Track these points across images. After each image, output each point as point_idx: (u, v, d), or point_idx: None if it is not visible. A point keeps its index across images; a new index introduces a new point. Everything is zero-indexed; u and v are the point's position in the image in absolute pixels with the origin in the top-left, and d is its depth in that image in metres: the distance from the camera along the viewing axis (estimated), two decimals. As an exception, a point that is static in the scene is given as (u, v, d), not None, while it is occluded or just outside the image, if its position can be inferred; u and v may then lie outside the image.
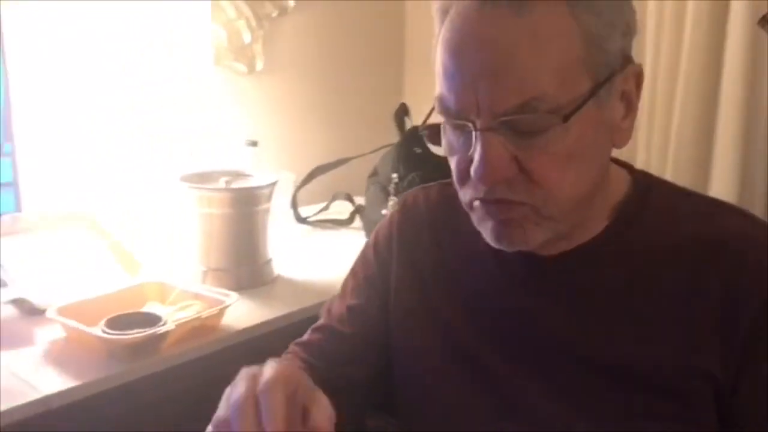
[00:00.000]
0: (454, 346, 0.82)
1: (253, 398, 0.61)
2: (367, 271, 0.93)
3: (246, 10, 1.93)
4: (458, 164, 0.71)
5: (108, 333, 1.15)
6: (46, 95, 1.53)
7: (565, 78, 0.65)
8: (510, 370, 0.78)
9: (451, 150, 0.72)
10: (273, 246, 1.54)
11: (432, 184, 0.93)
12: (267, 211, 1.50)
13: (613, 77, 0.68)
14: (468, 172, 0.69)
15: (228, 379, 0.65)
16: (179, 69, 1.66)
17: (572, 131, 0.66)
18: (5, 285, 1.31)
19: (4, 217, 1.37)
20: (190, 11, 1.62)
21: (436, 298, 0.85)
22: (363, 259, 0.94)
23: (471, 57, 0.66)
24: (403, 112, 1.81)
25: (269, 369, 0.63)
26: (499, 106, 0.65)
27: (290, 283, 1.53)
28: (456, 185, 0.74)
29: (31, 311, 1.30)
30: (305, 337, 0.93)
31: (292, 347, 0.93)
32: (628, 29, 0.70)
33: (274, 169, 1.78)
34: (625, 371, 0.72)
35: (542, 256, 0.77)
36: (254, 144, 1.74)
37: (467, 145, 0.68)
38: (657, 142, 1.88)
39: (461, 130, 0.69)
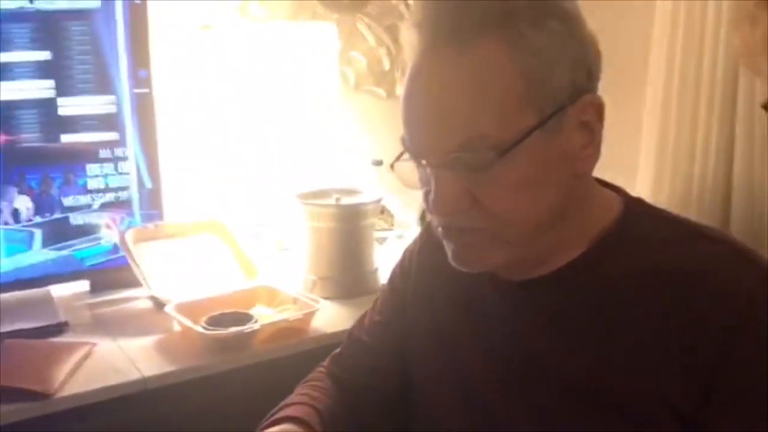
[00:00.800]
0: (449, 361, 0.86)
1: None
2: (393, 287, 0.99)
3: (386, 38, 2.06)
4: (425, 195, 0.76)
5: (204, 328, 1.31)
6: (188, 115, 1.76)
7: (507, 115, 0.69)
8: (493, 386, 0.81)
9: (420, 182, 0.77)
10: (382, 257, 1.63)
11: None
12: (372, 225, 1.60)
13: (563, 110, 0.70)
14: (428, 200, 0.74)
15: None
16: (316, 93, 1.81)
17: (519, 163, 0.69)
18: (145, 284, 1.53)
19: (148, 225, 1.59)
20: (323, 39, 1.77)
21: (442, 318, 0.89)
22: (392, 275, 1.01)
23: (419, 101, 0.72)
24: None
25: None
26: (443, 145, 0.70)
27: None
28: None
29: (161, 306, 1.50)
30: (340, 348, 1.02)
31: (327, 361, 1.02)
32: (578, 64, 0.71)
33: (399, 188, 1.88)
34: (589, 393, 0.73)
35: (524, 280, 0.79)
36: (379, 163, 1.85)
37: (425, 178, 0.74)
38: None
39: (422, 166, 0.74)
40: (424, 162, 0.73)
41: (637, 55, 1.94)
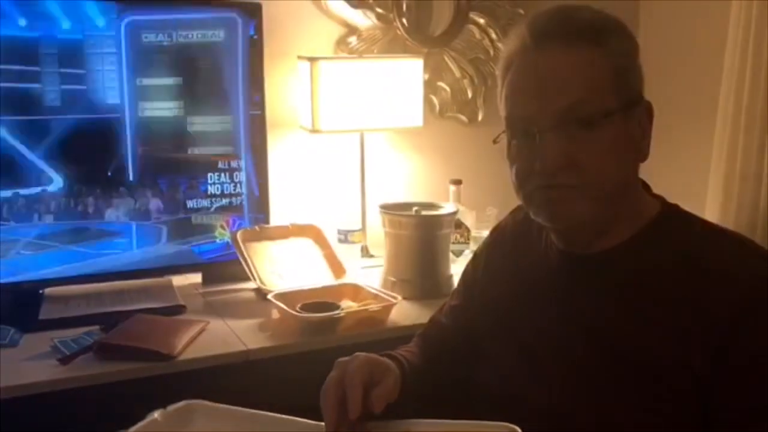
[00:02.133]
0: (511, 334, 1.04)
1: (338, 386, 0.89)
2: (467, 277, 1.19)
3: (470, 70, 2.27)
4: (521, 166, 0.94)
5: (299, 312, 1.55)
6: (293, 134, 2.03)
7: (602, 93, 0.89)
8: (546, 350, 0.98)
9: (515, 157, 0.94)
10: (457, 267, 1.83)
11: (519, 208, 1.16)
12: (448, 236, 1.81)
13: (635, 104, 0.92)
14: (529, 170, 0.92)
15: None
16: (404, 118, 2.03)
17: (608, 133, 0.89)
18: (252, 276, 1.78)
19: (255, 227, 1.85)
20: (412, 73, 2.00)
21: (506, 297, 1.07)
22: (467, 266, 1.21)
23: (530, 74, 0.92)
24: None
25: (354, 360, 0.93)
26: (554, 107, 0.89)
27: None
28: (517, 187, 0.96)
29: (264, 296, 1.75)
30: (422, 329, 1.22)
31: (414, 338, 1.21)
32: (641, 72, 0.94)
33: (475, 204, 2.09)
34: (627, 356, 0.90)
35: (578, 256, 0.98)
36: (458, 182, 2.06)
37: (529, 149, 0.92)
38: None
39: (525, 137, 0.92)
40: (534, 128, 0.90)
41: (709, 81, 2.07)
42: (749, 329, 0.84)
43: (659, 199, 1.00)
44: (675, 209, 0.99)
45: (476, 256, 1.20)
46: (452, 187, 2.07)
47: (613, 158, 0.90)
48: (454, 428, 0.86)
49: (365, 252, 2.04)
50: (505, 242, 1.14)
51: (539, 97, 0.90)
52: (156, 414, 0.93)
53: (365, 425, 0.89)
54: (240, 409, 0.96)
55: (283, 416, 0.93)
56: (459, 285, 1.22)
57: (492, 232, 1.19)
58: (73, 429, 1.33)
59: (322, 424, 0.88)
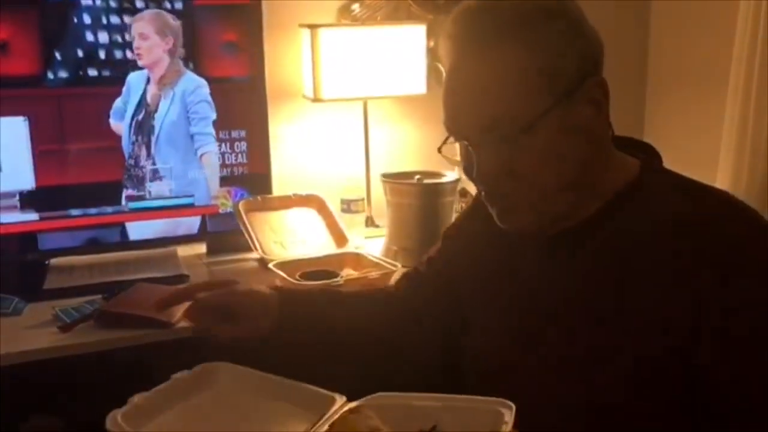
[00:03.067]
0: (493, 301, 1.04)
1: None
2: (447, 233, 1.19)
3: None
4: (465, 167, 0.94)
5: (298, 281, 1.55)
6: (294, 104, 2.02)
7: (527, 99, 0.86)
8: (527, 319, 0.98)
9: (462, 160, 0.94)
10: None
11: None
12: (451, 203, 1.79)
13: (573, 92, 0.87)
14: (471, 173, 0.91)
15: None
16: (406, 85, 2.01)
17: (542, 137, 0.86)
18: (253, 246, 1.78)
19: (257, 197, 1.85)
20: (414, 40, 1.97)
21: (489, 267, 1.06)
22: (447, 229, 1.21)
23: (457, 92, 0.90)
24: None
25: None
26: (479, 124, 0.87)
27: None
28: None
29: (265, 265, 1.75)
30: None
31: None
32: (584, 54, 0.88)
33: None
34: (601, 325, 0.89)
35: (552, 234, 0.96)
36: (463, 150, 2.04)
37: (467, 155, 0.92)
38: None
39: (461, 144, 0.93)
40: (466, 143, 0.90)
41: (721, 53, 2.03)
42: (736, 289, 0.82)
43: (639, 158, 0.97)
44: (655, 168, 0.96)
45: (458, 223, 1.20)
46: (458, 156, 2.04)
47: (555, 158, 0.87)
48: (451, 402, 0.86)
49: (370, 222, 2.03)
50: (483, 214, 1.12)
51: (465, 110, 0.89)
52: (178, 375, 0.95)
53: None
54: (262, 373, 0.97)
55: (304, 385, 0.94)
56: (439, 244, 1.21)
57: (473, 202, 1.17)
58: (75, 396, 1.35)
59: (339, 396, 0.90)
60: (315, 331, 1.10)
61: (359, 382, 0.93)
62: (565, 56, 0.87)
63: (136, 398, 0.88)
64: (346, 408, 0.87)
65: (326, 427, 0.82)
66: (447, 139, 0.95)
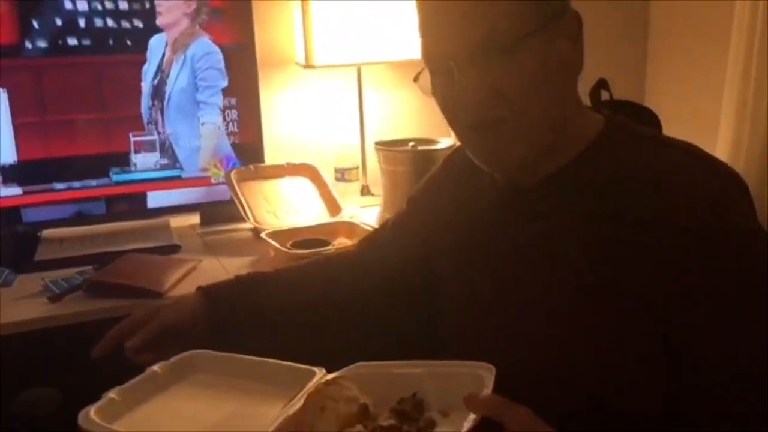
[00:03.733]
0: (466, 263, 1.01)
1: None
2: (413, 197, 1.20)
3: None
4: (446, 104, 0.90)
5: (289, 249, 1.53)
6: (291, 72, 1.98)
7: (516, 15, 0.83)
8: (505, 281, 0.95)
9: (439, 93, 0.90)
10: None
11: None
12: (445, 171, 1.76)
13: (557, 20, 0.85)
14: (454, 107, 0.87)
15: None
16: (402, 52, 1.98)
17: (530, 57, 0.83)
18: (245, 215, 1.76)
19: (249, 167, 1.83)
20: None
21: (454, 230, 1.05)
22: (414, 194, 1.20)
23: (442, 13, 0.86)
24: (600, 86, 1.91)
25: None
26: (469, 39, 0.84)
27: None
28: (448, 122, 0.92)
29: (258, 234, 1.74)
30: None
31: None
32: None
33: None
34: (574, 278, 0.87)
35: (522, 185, 0.94)
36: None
37: (450, 85, 0.87)
38: None
39: (444, 73, 0.87)
40: (452, 63, 0.85)
41: (722, 11, 1.99)
42: (704, 251, 0.80)
43: (603, 113, 0.95)
44: (619, 123, 0.93)
45: (430, 176, 1.18)
46: (453, 123, 2.02)
47: (539, 81, 0.85)
48: (432, 368, 0.85)
49: (365, 190, 2.01)
50: (452, 176, 1.11)
51: (451, 29, 0.85)
52: (156, 366, 0.93)
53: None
54: (241, 356, 0.95)
55: (282, 362, 0.92)
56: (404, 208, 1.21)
57: (445, 161, 1.16)
58: (68, 366, 1.34)
59: (319, 369, 0.88)
60: (260, 316, 1.10)
61: (345, 357, 0.92)
62: None
63: (112, 393, 0.86)
64: (323, 380, 0.85)
65: (302, 401, 0.80)
66: (422, 70, 0.91)
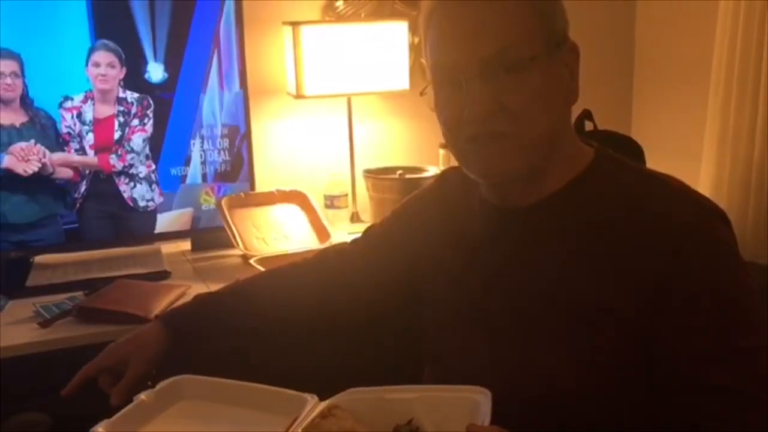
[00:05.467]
0: (454, 285, 1.04)
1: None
2: (396, 211, 1.21)
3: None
4: (449, 116, 0.93)
5: (277, 276, 1.56)
6: (279, 102, 2.02)
7: (526, 37, 0.89)
8: (492, 303, 0.98)
9: (444, 107, 0.94)
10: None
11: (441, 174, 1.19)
12: (432, 199, 1.79)
13: (559, 47, 0.91)
14: (458, 119, 0.91)
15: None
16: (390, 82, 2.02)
17: (535, 77, 0.89)
18: (235, 242, 1.79)
19: (240, 193, 1.86)
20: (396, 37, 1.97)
21: (447, 252, 1.07)
22: (395, 213, 1.22)
23: (456, 23, 0.91)
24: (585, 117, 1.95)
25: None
26: (480, 54, 0.88)
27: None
28: (448, 138, 0.96)
29: (248, 261, 1.77)
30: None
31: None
32: (565, 15, 0.93)
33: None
34: (560, 300, 0.91)
35: (513, 208, 0.97)
36: (446, 146, 2.04)
37: (456, 98, 0.91)
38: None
39: (452, 86, 0.91)
40: (461, 77, 0.89)
41: (703, 50, 2.04)
42: (684, 274, 0.85)
43: (593, 146, 0.99)
44: (608, 156, 0.98)
45: (418, 195, 1.20)
46: (441, 151, 2.05)
47: (542, 102, 0.89)
48: (426, 393, 0.86)
49: (355, 217, 2.04)
50: (431, 208, 1.14)
51: (465, 44, 0.89)
52: (143, 395, 0.93)
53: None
54: (228, 381, 0.95)
55: (270, 387, 0.93)
56: (382, 225, 1.23)
57: (437, 180, 1.18)
58: (57, 391, 1.36)
59: (310, 395, 0.89)
60: (226, 335, 1.15)
61: (331, 374, 0.93)
62: (556, 12, 0.93)
63: (100, 427, 0.85)
64: (318, 409, 0.85)
65: None
66: (427, 86, 0.95)
